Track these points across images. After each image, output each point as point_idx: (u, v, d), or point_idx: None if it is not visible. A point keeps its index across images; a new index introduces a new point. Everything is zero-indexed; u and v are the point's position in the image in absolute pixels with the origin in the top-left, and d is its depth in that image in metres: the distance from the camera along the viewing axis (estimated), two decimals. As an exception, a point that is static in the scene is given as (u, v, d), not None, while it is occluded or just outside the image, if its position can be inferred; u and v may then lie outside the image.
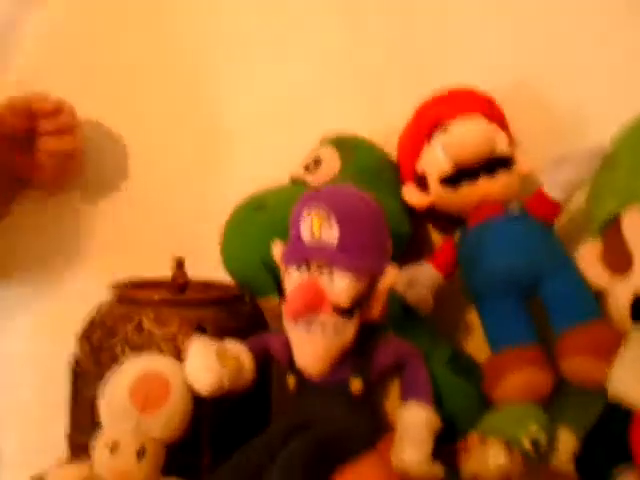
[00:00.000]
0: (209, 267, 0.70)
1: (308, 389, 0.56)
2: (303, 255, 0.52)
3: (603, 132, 0.62)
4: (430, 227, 0.79)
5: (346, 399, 0.55)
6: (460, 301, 0.77)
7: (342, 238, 0.51)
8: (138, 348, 0.57)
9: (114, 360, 0.57)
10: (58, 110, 0.74)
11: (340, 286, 0.52)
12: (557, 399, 0.60)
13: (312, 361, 0.53)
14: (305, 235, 0.53)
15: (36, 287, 0.88)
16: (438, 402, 0.57)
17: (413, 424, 0.54)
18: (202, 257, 0.70)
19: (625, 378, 0.43)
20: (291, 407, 0.58)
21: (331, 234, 0.51)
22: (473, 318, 0.78)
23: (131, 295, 0.61)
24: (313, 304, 0.51)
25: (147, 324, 0.57)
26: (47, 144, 0.75)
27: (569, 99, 0.74)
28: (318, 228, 0.51)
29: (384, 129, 0.75)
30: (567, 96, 0.74)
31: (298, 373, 0.56)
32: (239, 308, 0.65)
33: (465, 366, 0.69)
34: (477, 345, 0.74)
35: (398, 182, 0.72)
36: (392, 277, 0.54)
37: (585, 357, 0.56)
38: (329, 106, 0.81)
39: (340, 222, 0.51)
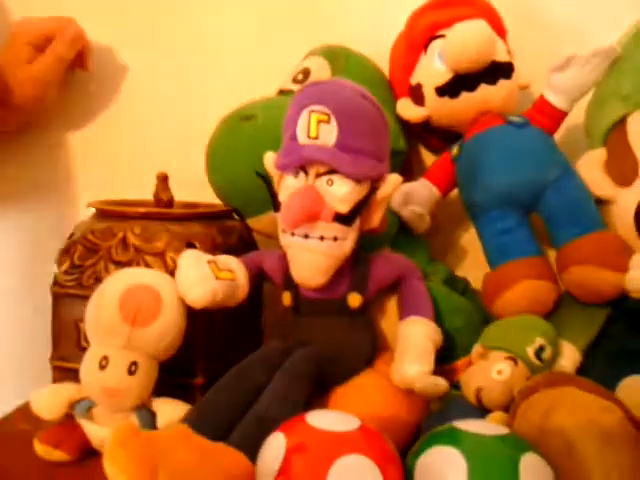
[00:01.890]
0: (192, 192, 0.66)
1: (304, 306, 0.54)
2: (299, 157, 0.48)
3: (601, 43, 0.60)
4: (422, 151, 0.77)
5: (344, 315, 0.53)
6: (449, 225, 0.75)
7: (341, 137, 0.47)
8: (123, 265, 0.53)
9: (96, 279, 0.54)
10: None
11: (340, 191, 0.48)
12: (557, 314, 0.58)
13: (311, 273, 0.50)
14: (301, 134, 0.48)
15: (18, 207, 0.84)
16: (437, 320, 0.55)
17: (415, 339, 0.52)
18: (185, 182, 0.66)
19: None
20: (288, 325, 0.55)
21: (329, 133, 0.47)
22: (464, 242, 0.77)
23: (114, 210, 0.57)
24: (312, 211, 0.48)
25: (132, 239, 0.53)
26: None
27: (565, 10, 0.71)
28: (316, 126, 0.47)
29: (374, 42, 0.71)
30: (563, 7, 0.72)
31: (294, 289, 0.53)
32: (228, 224, 0.61)
33: (461, 286, 0.67)
34: (469, 269, 0.74)
35: (391, 97, 0.69)
36: (393, 184, 0.51)
37: (589, 266, 0.54)
38: (316, 20, 0.76)
39: (339, 119, 0.47)
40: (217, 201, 0.65)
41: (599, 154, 0.58)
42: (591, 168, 0.58)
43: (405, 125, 0.68)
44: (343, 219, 0.49)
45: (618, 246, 0.54)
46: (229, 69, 0.79)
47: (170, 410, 0.48)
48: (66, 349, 0.56)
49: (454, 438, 0.39)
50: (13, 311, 0.82)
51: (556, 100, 0.59)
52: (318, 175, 0.48)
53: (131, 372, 0.47)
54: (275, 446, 0.38)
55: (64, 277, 0.55)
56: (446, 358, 0.58)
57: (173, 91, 0.80)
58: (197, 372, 0.55)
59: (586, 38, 0.68)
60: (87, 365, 0.48)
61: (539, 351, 0.52)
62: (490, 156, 0.59)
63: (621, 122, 0.56)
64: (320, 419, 0.39)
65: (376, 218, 0.51)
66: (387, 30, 0.70)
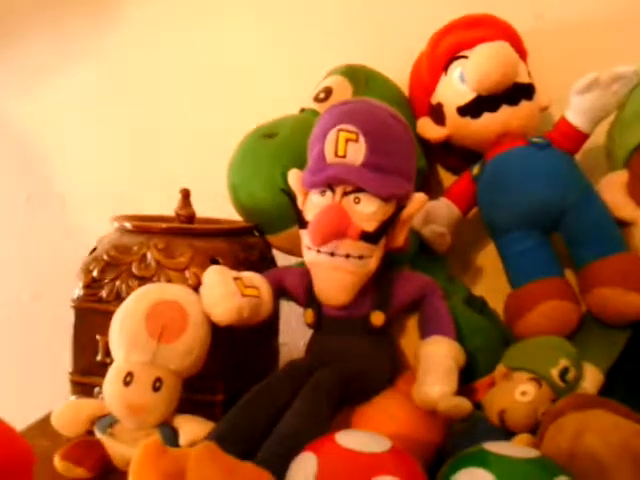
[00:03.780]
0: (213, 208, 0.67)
1: (327, 323, 0.53)
2: (327, 176, 0.48)
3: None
4: (439, 170, 0.77)
5: (366, 333, 0.53)
6: (466, 244, 0.75)
7: (369, 156, 0.47)
8: (144, 280, 0.53)
9: (117, 294, 0.54)
10: None
11: (366, 209, 0.48)
12: (579, 335, 0.58)
13: (336, 291, 0.50)
14: (329, 152, 0.48)
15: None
16: (458, 340, 0.55)
17: (439, 358, 0.51)
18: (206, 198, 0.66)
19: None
20: (310, 342, 0.55)
21: (357, 152, 0.47)
22: (481, 261, 0.76)
23: (137, 226, 0.57)
24: (340, 229, 0.48)
25: (155, 254, 0.53)
26: None
27: (586, 33, 0.72)
28: (344, 144, 0.47)
29: (394, 62, 0.72)
30: (583, 30, 0.72)
31: (317, 307, 0.53)
32: (250, 240, 0.61)
33: (479, 305, 0.67)
34: (486, 289, 0.73)
35: (411, 116, 0.69)
36: (419, 204, 0.51)
37: (614, 288, 0.54)
38: (337, 38, 0.77)
39: (368, 139, 0.47)
40: (236, 217, 0.65)
41: (621, 176, 0.58)
42: (613, 190, 0.58)
43: (423, 144, 0.68)
44: (369, 237, 0.49)
45: (640, 269, 0.54)
46: (251, 87, 0.80)
47: (192, 427, 0.48)
48: (86, 364, 0.56)
49: (485, 460, 0.38)
50: (29, 325, 0.82)
51: (578, 122, 0.60)
52: (345, 193, 0.49)
53: (156, 388, 0.46)
54: (305, 466, 0.37)
55: (85, 292, 0.55)
56: (466, 378, 0.58)
57: (195, 108, 0.81)
58: (218, 389, 0.54)
59: (607, 61, 0.68)
60: (111, 381, 0.47)
61: (563, 372, 0.52)
62: (512, 177, 0.59)
63: (645, 145, 0.57)
64: (351, 439, 0.38)
65: (401, 237, 0.51)
66: (406, 49, 0.70)
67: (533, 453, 0.39)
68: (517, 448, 0.41)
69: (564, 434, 0.42)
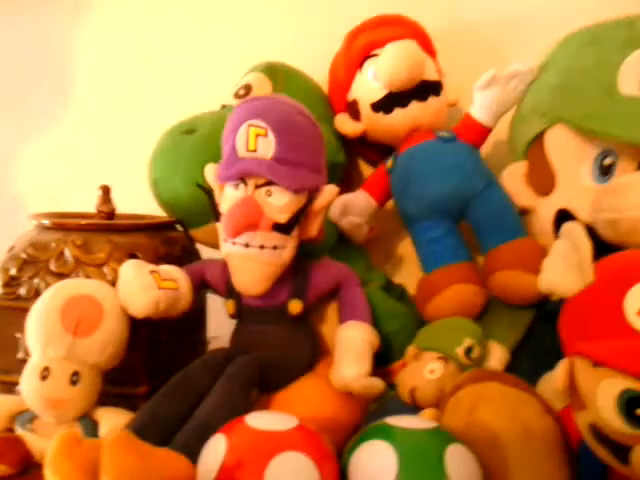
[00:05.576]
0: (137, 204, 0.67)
1: (247, 313, 0.55)
2: (238, 169, 0.50)
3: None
4: (360, 163, 0.80)
5: (285, 321, 0.55)
6: (388, 234, 0.79)
7: (279, 150, 0.49)
8: (62, 277, 0.53)
9: (35, 292, 0.54)
10: None
11: (278, 201, 0.50)
12: (487, 316, 0.62)
13: (252, 281, 0.52)
14: (240, 147, 0.50)
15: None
16: (375, 324, 0.58)
17: (353, 342, 0.54)
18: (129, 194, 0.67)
19: (554, 272, 0.45)
20: (233, 332, 0.56)
21: (267, 146, 0.49)
22: (402, 251, 0.80)
23: (55, 223, 0.57)
24: (251, 221, 0.50)
25: (73, 251, 0.54)
26: None
27: (491, 32, 0.76)
28: (254, 139, 0.49)
29: (312, 60, 0.74)
30: (489, 29, 0.76)
31: (237, 297, 0.55)
32: (172, 235, 0.62)
33: (398, 292, 0.70)
34: (406, 276, 0.77)
35: (330, 113, 0.71)
36: (330, 195, 0.53)
37: (513, 271, 0.58)
38: (259, 37, 0.79)
39: (277, 133, 0.49)
40: (161, 213, 0.66)
41: (520, 167, 0.62)
42: (513, 180, 0.62)
43: (344, 139, 0.71)
44: (282, 228, 0.51)
45: (537, 252, 0.57)
46: (173, 83, 0.80)
47: (113, 418, 0.49)
48: (6, 363, 0.56)
49: (385, 433, 0.41)
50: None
51: (481, 116, 0.63)
52: (257, 186, 0.51)
53: (73, 382, 0.47)
54: (216, 447, 0.39)
55: (4, 290, 0.55)
56: (383, 361, 0.61)
57: (116, 104, 0.81)
58: (141, 381, 0.55)
59: (511, 58, 0.73)
60: (28, 377, 0.48)
61: (468, 351, 0.55)
62: (421, 169, 0.62)
63: (539, 137, 0.61)
64: (259, 420, 0.41)
65: (314, 227, 0.54)
66: (326, 48, 0.73)
67: (430, 424, 0.43)
68: (416, 421, 0.44)
69: (461, 406, 0.45)
